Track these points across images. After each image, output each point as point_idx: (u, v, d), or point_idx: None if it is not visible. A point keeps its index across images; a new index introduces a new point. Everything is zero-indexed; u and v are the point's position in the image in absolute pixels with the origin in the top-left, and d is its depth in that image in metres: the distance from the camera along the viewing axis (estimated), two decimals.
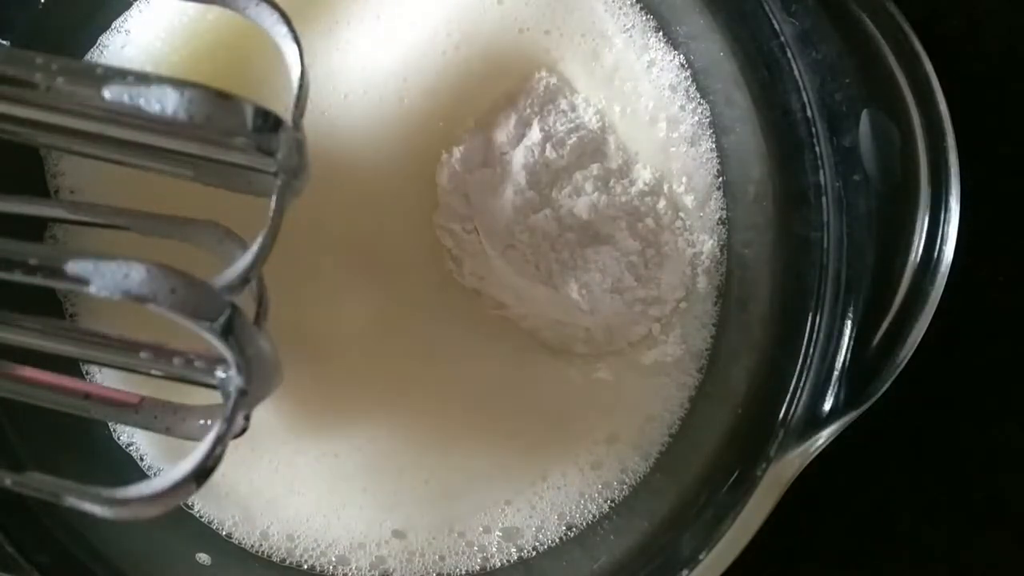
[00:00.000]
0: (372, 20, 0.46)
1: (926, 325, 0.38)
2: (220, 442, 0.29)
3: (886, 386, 0.38)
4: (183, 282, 0.27)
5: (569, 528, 0.45)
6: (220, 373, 0.32)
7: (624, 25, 0.46)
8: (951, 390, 0.48)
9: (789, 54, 0.40)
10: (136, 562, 0.42)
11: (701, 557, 0.38)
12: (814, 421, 0.38)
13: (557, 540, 0.44)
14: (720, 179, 0.46)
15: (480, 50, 0.45)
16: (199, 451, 0.30)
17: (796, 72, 0.40)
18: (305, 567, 0.44)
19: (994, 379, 0.48)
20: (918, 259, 0.38)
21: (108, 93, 0.26)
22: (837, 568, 0.48)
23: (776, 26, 0.40)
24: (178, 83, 0.26)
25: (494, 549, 0.44)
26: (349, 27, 0.46)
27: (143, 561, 0.42)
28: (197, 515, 0.45)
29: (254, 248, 0.30)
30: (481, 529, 0.45)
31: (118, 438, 0.45)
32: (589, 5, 0.46)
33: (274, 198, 0.30)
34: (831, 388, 0.39)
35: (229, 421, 0.30)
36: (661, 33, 0.47)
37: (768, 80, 0.42)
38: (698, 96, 0.46)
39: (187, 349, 0.32)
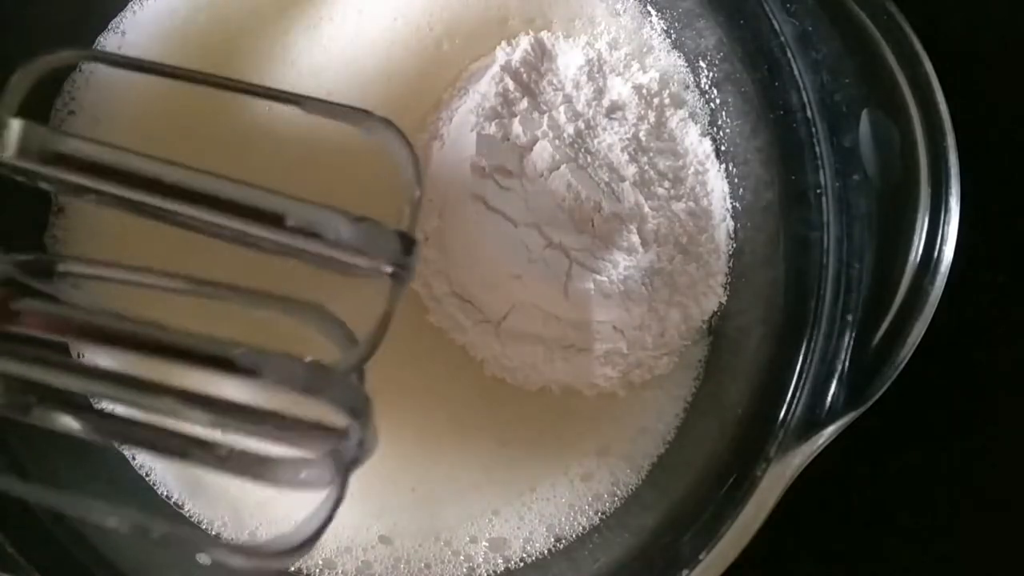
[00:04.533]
0: (355, 16, 0.46)
1: (926, 325, 0.38)
2: (335, 508, 0.31)
3: (886, 386, 0.38)
4: (331, 379, 0.30)
5: (558, 540, 0.44)
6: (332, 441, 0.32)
7: (623, 24, 0.47)
8: (951, 390, 0.48)
9: (789, 54, 0.40)
10: (136, 563, 0.41)
11: (701, 557, 0.38)
12: (814, 421, 0.38)
13: (545, 552, 0.44)
14: (720, 179, 0.46)
15: (463, 43, 0.45)
16: (316, 517, 0.31)
17: (796, 72, 0.40)
18: (292, 569, 0.44)
19: (994, 379, 0.48)
20: (918, 259, 0.38)
21: (291, 220, 0.30)
22: (837, 568, 0.48)
23: (776, 26, 0.40)
24: (351, 217, 0.31)
25: (480, 559, 0.44)
26: (332, 23, 0.46)
27: (143, 562, 0.42)
28: (187, 515, 0.45)
29: (368, 340, 0.33)
30: (468, 539, 0.44)
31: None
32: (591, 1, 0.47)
33: (389, 292, 0.32)
34: (831, 388, 0.39)
35: (343, 487, 0.31)
36: (660, 33, 0.47)
37: (768, 80, 0.42)
38: (698, 96, 0.46)
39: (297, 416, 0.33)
